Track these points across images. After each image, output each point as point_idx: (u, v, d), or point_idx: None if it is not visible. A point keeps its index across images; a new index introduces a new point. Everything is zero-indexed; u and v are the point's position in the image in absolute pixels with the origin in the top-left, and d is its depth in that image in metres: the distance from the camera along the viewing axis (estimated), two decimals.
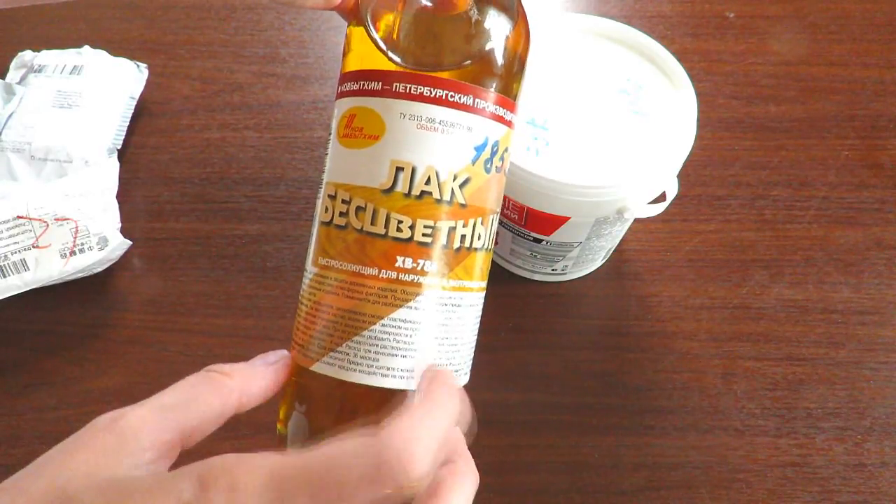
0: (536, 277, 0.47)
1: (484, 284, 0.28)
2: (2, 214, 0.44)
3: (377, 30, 0.26)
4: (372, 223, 0.25)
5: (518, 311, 0.47)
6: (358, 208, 0.25)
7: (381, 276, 0.25)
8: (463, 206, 0.25)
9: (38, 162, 0.49)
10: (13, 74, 0.55)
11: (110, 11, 0.62)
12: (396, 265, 0.25)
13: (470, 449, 0.44)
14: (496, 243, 0.46)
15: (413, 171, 0.25)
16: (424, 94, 0.25)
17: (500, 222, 0.42)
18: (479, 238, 0.26)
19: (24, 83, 0.53)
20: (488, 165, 0.26)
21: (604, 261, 0.48)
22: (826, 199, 0.51)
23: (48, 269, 0.44)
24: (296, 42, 0.60)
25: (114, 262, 0.48)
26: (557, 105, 0.38)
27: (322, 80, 0.58)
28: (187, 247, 0.50)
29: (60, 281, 0.45)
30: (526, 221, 0.40)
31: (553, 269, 0.46)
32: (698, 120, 0.37)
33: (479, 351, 0.45)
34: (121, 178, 0.50)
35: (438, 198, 0.25)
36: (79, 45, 0.55)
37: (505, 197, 0.39)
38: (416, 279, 0.25)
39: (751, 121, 0.55)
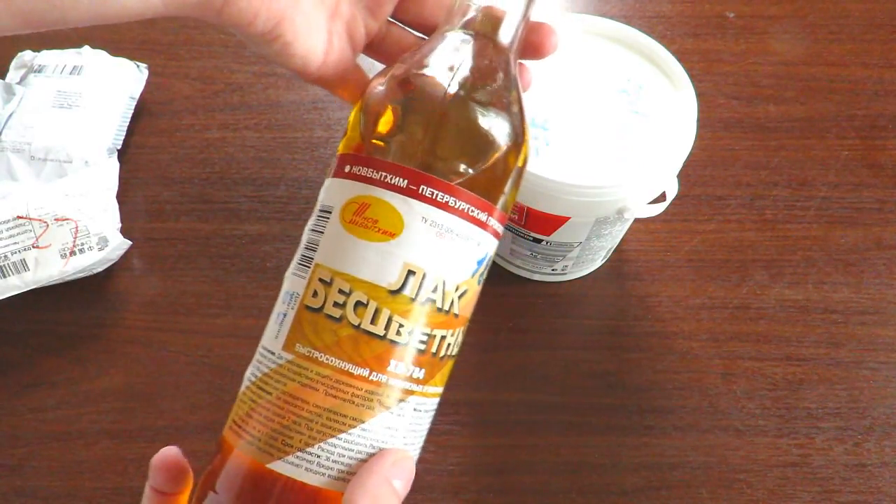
0: (536, 277, 0.47)
1: (441, 391, 0.27)
2: (2, 214, 0.44)
3: (402, 132, 0.25)
4: (372, 322, 0.23)
5: (518, 311, 0.47)
6: (358, 303, 0.23)
7: (370, 378, 0.23)
8: (456, 316, 0.25)
9: (38, 162, 0.49)
10: (13, 74, 0.55)
11: None
12: (388, 369, 0.24)
13: (471, 449, 0.44)
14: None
15: (424, 276, 0.24)
16: (449, 203, 0.24)
17: None
18: (457, 346, 0.26)
19: (24, 83, 0.53)
20: (481, 279, 0.26)
21: (604, 261, 0.48)
22: (826, 199, 0.51)
23: (48, 269, 0.44)
24: None
25: (114, 262, 0.48)
26: (557, 105, 0.38)
27: None
28: (187, 247, 0.50)
29: (60, 281, 0.45)
30: (526, 221, 0.40)
31: (553, 269, 0.46)
32: (698, 120, 0.37)
33: (479, 351, 0.46)
34: (121, 178, 0.50)
35: (440, 307, 0.24)
36: (79, 46, 0.55)
37: None
38: (405, 385, 0.24)
39: (751, 121, 0.55)
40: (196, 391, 0.44)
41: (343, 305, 0.24)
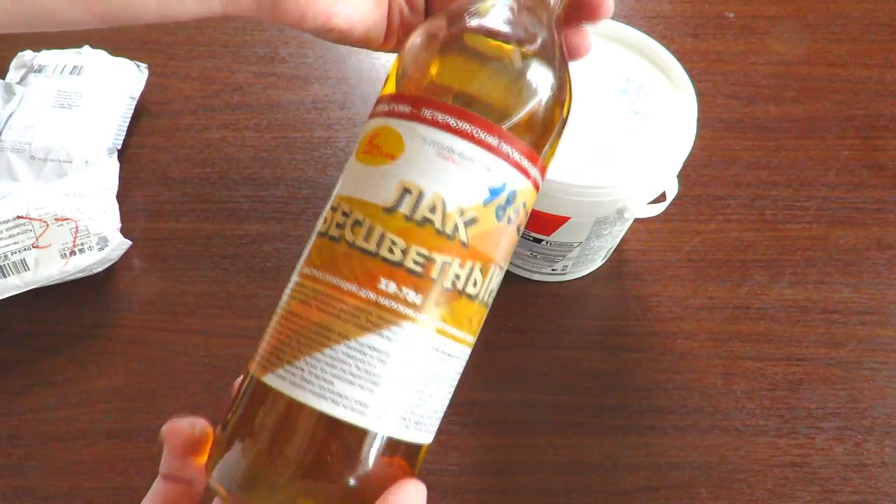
0: (536, 277, 0.47)
1: (471, 340, 0.26)
2: (2, 214, 0.44)
3: (416, 60, 0.26)
4: (365, 239, 0.24)
5: (518, 311, 0.47)
6: (356, 222, 0.24)
7: (359, 294, 0.23)
8: (464, 244, 0.24)
9: (38, 162, 0.49)
10: (13, 74, 0.55)
11: None
12: (378, 286, 0.23)
13: (471, 449, 0.44)
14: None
15: (420, 195, 0.24)
16: (451, 124, 0.24)
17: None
18: (474, 285, 0.25)
19: (24, 83, 0.53)
20: (500, 213, 0.25)
21: (604, 261, 0.48)
22: (826, 199, 0.51)
23: (48, 269, 0.44)
24: (296, 42, 0.60)
25: (114, 262, 0.48)
26: None
27: (322, 80, 0.58)
28: (187, 247, 0.50)
29: (60, 281, 0.45)
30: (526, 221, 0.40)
31: (553, 269, 0.46)
32: (698, 120, 0.37)
33: (479, 351, 0.45)
34: (121, 178, 0.50)
35: (440, 228, 0.24)
36: (79, 45, 0.55)
37: None
38: (395, 307, 0.23)
39: (751, 121, 0.55)
40: (196, 391, 0.44)
41: (342, 226, 0.24)
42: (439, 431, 0.44)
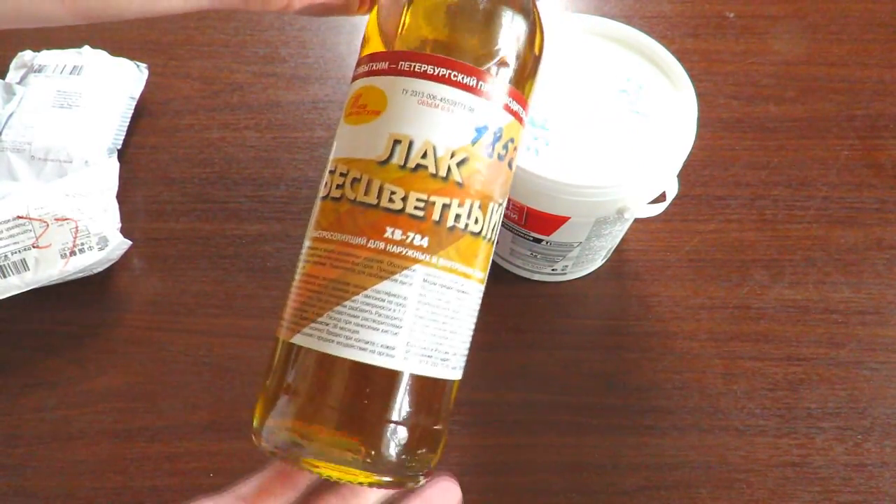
0: (536, 277, 0.47)
1: (482, 276, 0.27)
2: (2, 214, 0.44)
3: (388, 16, 0.26)
4: (365, 193, 0.25)
5: (518, 311, 0.47)
6: (354, 180, 0.25)
7: (368, 245, 0.25)
8: (459, 184, 0.25)
9: (38, 162, 0.49)
10: (13, 74, 0.55)
11: None
12: (385, 235, 0.25)
13: (471, 449, 0.44)
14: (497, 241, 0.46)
15: (410, 144, 0.25)
16: (428, 71, 0.25)
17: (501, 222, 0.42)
18: (476, 222, 0.26)
19: (25, 83, 0.53)
20: (490, 150, 0.26)
21: (604, 261, 0.48)
22: (826, 199, 0.51)
23: (48, 269, 0.44)
24: (296, 42, 0.60)
25: (114, 262, 0.48)
26: (557, 105, 0.38)
27: (322, 80, 0.58)
28: (187, 247, 0.50)
29: (60, 281, 0.45)
30: (526, 221, 0.40)
31: (553, 269, 0.46)
32: (698, 120, 0.37)
33: (479, 351, 0.45)
34: (121, 178, 0.50)
35: (434, 172, 0.25)
36: (79, 45, 0.55)
37: None
38: (404, 252, 0.25)
39: (751, 121, 0.55)
40: (196, 391, 0.44)
41: (342, 186, 0.26)
42: None
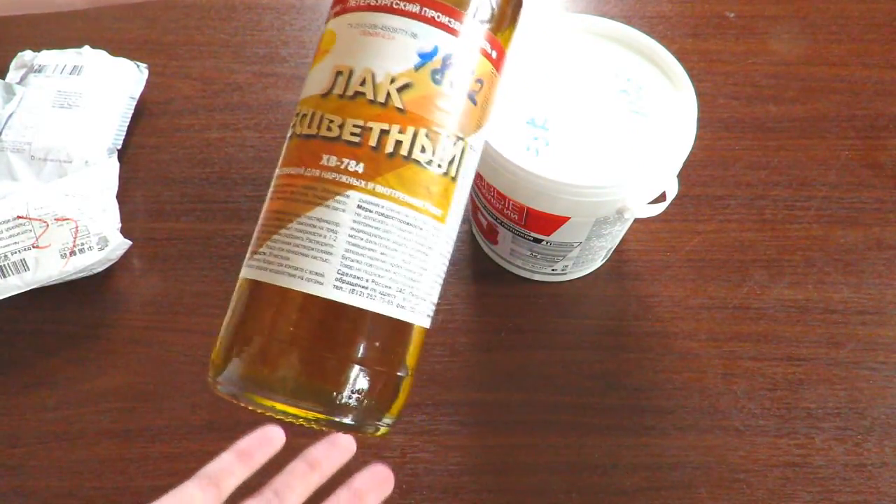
0: (536, 277, 0.47)
1: (441, 214, 0.26)
2: (2, 214, 0.44)
3: None
4: (308, 126, 0.25)
5: (518, 311, 0.47)
6: (302, 116, 0.26)
7: (305, 174, 0.25)
8: (401, 110, 0.25)
9: (38, 162, 0.49)
10: (13, 74, 0.55)
11: (110, 11, 0.62)
12: (321, 163, 0.25)
13: (471, 449, 0.44)
14: (497, 238, 0.46)
15: (350, 73, 0.25)
16: (371, 3, 0.25)
17: (500, 222, 0.42)
18: (422, 150, 0.25)
19: (25, 83, 0.53)
20: (437, 76, 0.25)
21: (604, 261, 0.48)
22: (826, 199, 0.51)
23: (48, 269, 0.44)
24: (296, 42, 0.60)
25: (114, 262, 0.48)
26: (557, 105, 0.38)
27: None
28: (187, 247, 0.50)
29: (60, 281, 0.45)
30: (526, 221, 0.40)
31: (553, 269, 0.46)
32: (698, 120, 0.37)
33: (479, 351, 0.46)
34: (121, 178, 0.50)
35: (372, 98, 0.25)
36: (79, 45, 0.55)
37: (505, 197, 0.39)
38: (338, 178, 0.24)
39: (751, 121, 0.55)
40: (196, 391, 0.44)
41: (294, 125, 0.26)
42: (439, 432, 0.44)
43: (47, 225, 0.44)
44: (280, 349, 0.24)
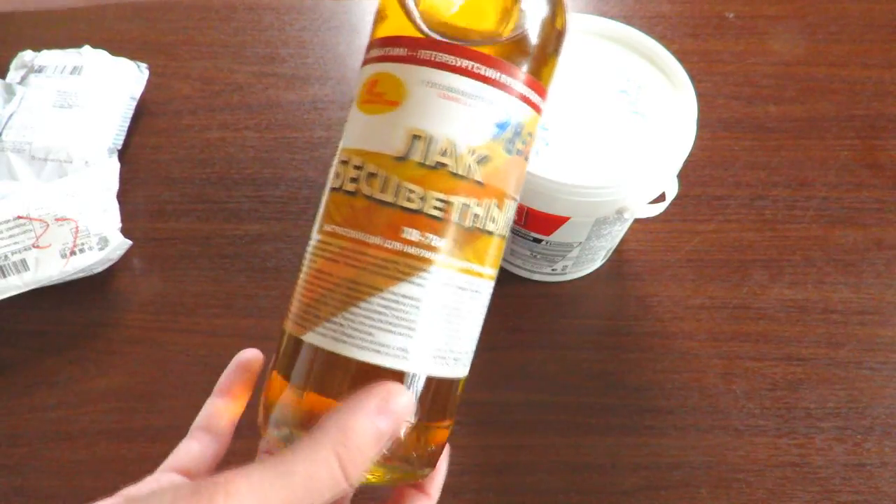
0: (536, 277, 0.47)
1: (494, 273, 0.27)
2: (2, 214, 0.44)
3: (406, 4, 0.25)
4: (382, 190, 0.24)
5: (518, 311, 0.47)
6: (370, 175, 0.24)
7: (385, 245, 0.24)
8: (479, 183, 0.24)
9: (38, 162, 0.49)
10: (13, 74, 0.55)
11: (110, 11, 0.62)
12: (402, 236, 0.24)
13: (471, 449, 0.44)
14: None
15: (430, 140, 0.24)
16: (448, 62, 0.24)
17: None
18: (493, 221, 0.25)
19: (25, 83, 0.53)
20: (510, 146, 0.25)
21: (604, 261, 0.48)
22: (826, 199, 0.51)
23: (48, 269, 0.44)
24: (296, 42, 0.60)
25: (114, 262, 0.48)
26: (557, 105, 0.38)
27: (322, 80, 0.58)
28: (187, 247, 0.50)
29: (60, 281, 0.45)
30: (526, 221, 0.40)
31: (553, 269, 0.46)
32: (698, 120, 0.37)
33: (479, 351, 0.45)
34: (121, 178, 0.50)
35: (454, 171, 0.24)
36: (79, 45, 0.55)
37: None
38: (421, 253, 0.24)
39: (751, 121, 0.55)
40: (196, 391, 0.44)
41: (357, 180, 0.24)
42: None
43: (47, 225, 0.44)
44: None
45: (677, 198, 0.39)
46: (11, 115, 0.51)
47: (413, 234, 0.24)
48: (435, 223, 0.24)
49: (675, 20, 0.61)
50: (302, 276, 0.26)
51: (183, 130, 0.55)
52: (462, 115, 0.24)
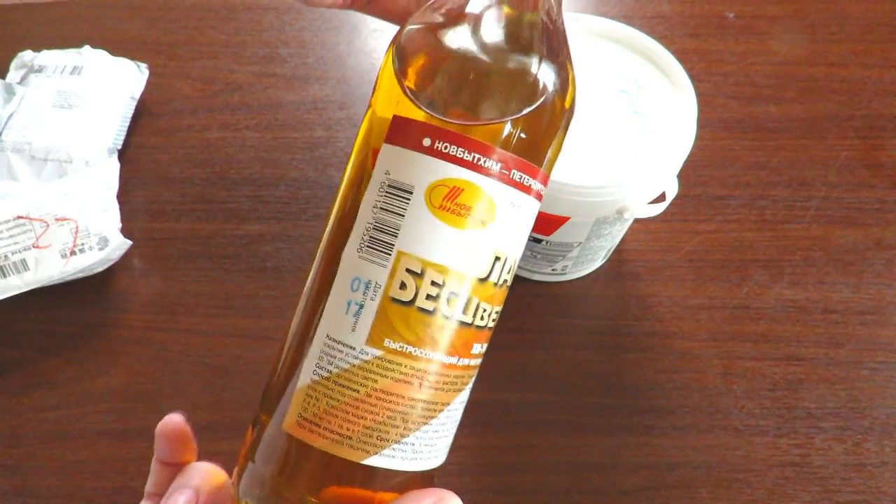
0: (536, 277, 0.47)
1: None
2: (2, 214, 0.44)
3: (456, 92, 0.23)
4: (463, 311, 0.23)
5: (518, 311, 0.47)
6: (451, 294, 0.23)
7: (459, 364, 0.24)
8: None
9: (38, 162, 0.49)
10: (13, 74, 0.55)
11: (110, 11, 0.62)
12: (472, 352, 0.24)
13: (471, 449, 0.44)
14: None
15: (506, 260, 0.24)
16: (524, 182, 0.23)
17: None
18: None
19: (25, 83, 0.53)
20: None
21: (604, 261, 0.48)
22: (826, 199, 0.51)
23: (48, 269, 0.44)
24: (296, 42, 0.60)
25: (114, 262, 0.48)
26: None
27: (322, 80, 0.58)
28: (187, 247, 0.50)
29: (60, 281, 0.45)
30: None
31: (553, 269, 0.46)
32: (698, 120, 0.37)
33: None
34: (121, 178, 0.50)
35: (509, 285, 0.25)
36: (79, 45, 0.55)
37: None
38: (477, 363, 0.25)
39: (751, 121, 0.55)
40: (196, 391, 0.44)
41: (437, 298, 0.22)
42: None
43: (47, 225, 0.44)
44: None
45: (677, 198, 0.39)
46: (11, 115, 0.51)
47: (477, 349, 0.24)
48: (489, 334, 0.25)
49: (675, 20, 0.61)
50: (347, 392, 0.23)
51: (183, 130, 0.55)
52: (523, 232, 0.24)
